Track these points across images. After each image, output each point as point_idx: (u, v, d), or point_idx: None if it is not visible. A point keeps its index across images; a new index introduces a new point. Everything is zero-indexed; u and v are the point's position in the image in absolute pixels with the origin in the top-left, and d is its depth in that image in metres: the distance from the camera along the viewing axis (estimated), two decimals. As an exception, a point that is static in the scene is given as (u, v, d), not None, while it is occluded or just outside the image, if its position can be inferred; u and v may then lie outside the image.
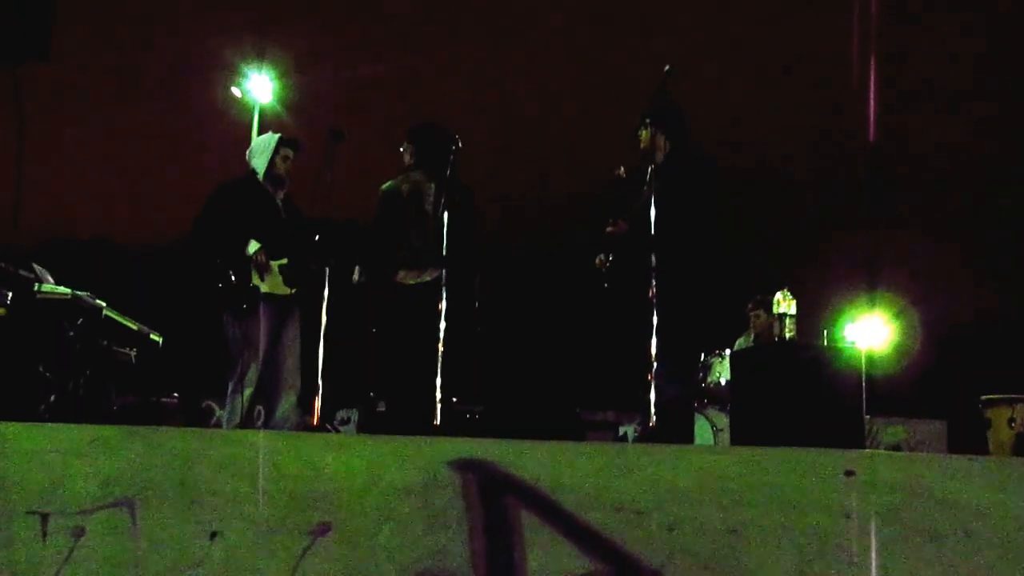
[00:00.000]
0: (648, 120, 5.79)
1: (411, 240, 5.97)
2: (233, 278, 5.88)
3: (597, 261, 5.90)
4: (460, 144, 5.89)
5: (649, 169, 5.67)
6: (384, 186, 6.17)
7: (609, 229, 5.90)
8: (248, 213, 6.04)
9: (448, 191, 5.81)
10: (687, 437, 5.81)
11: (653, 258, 5.34)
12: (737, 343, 8.60)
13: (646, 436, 5.32)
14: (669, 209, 5.43)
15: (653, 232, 5.39)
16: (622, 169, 5.90)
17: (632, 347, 5.41)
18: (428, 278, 5.90)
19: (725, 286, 5.78)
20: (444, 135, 6.25)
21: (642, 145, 5.83)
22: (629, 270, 5.67)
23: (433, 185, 6.03)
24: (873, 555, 2.80)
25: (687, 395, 6.10)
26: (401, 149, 6.32)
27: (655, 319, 5.23)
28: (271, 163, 6.21)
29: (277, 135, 6.43)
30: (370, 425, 7.76)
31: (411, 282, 5.96)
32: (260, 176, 6.22)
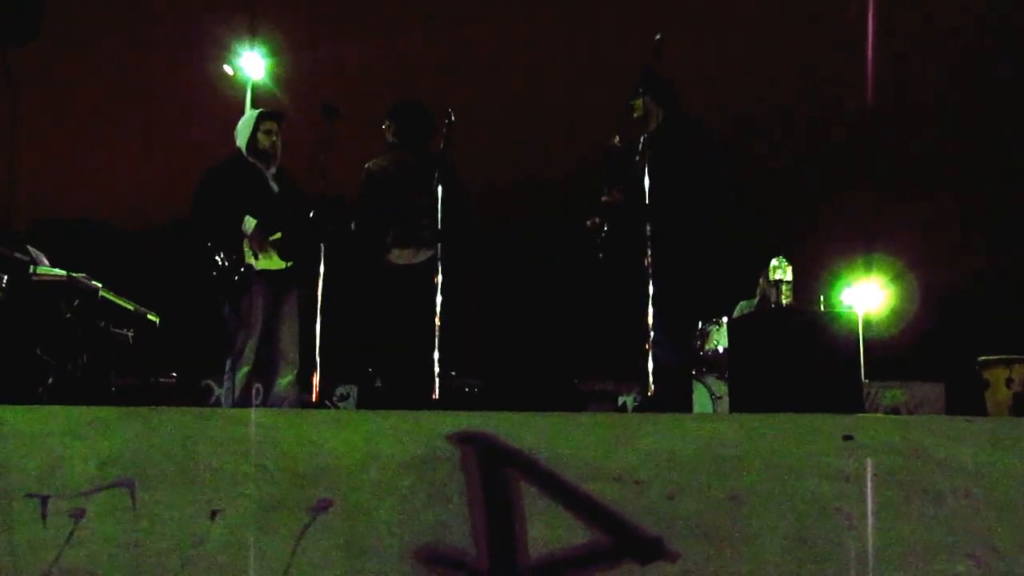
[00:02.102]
0: (641, 89, 5.77)
1: (401, 220, 5.97)
2: (225, 261, 5.87)
3: (588, 223, 5.90)
4: (454, 118, 5.86)
5: (642, 138, 5.66)
6: (368, 164, 6.14)
7: (605, 199, 5.89)
8: (237, 192, 6.02)
9: (443, 166, 5.79)
10: (686, 405, 5.83)
11: (648, 227, 5.34)
12: (739, 306, 8.61)
13: (645, 405, 5.33)
14: (664, 177, 5.43)
15: (648, 201, 5.38)
16: (617, 139, 5.89)
17: (630, 317, 5.41)
18: (423, 258, 5.90)
19: (722, 253, 5.77)
20: (425, 112, 6.25)
21: (636, 114, 5.82)
22: (626, 239, 5.67)
23: (418, 163, 6.03)
24: (872, 518, 2.81)
25: (685, 363, 6.11)
26: (383, 127, 6.29)
27: (651, 288, 5.23)
28: (253, 139, 6.18)
29: (257, 111, 6.42)
30: (369, 401, 7.79)
31: (403, 263, 5.96)
32: (245, 154, 6.19)
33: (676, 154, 5.55)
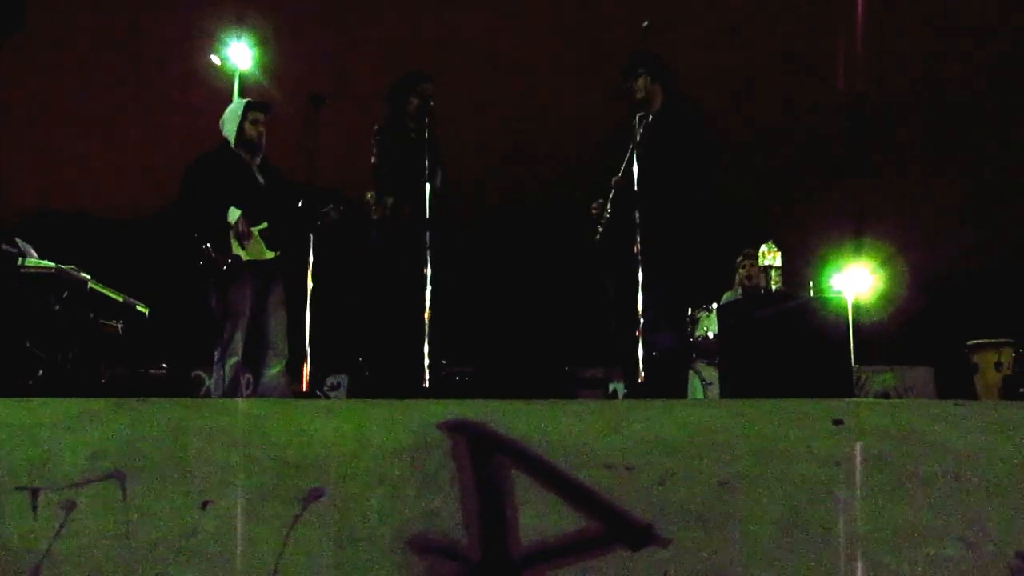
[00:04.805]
0: (641, 69, 5.71)
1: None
2: (211, 252, 5.86)
3: (593, 207, 5.87)
4: (432, 103, 5.88)
5: (638, 118, 5.63)
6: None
7: (616, 179, 5.82)
8: (223, 183, 6.02)
9: (431, 153, 5.79)
10: (680, 391, 5.83)
11: (639, 213, 5.32)
12: (724, 296, 8.60)
13: (636, 392, 5.33)
14: (665, 162, 5.41)
15: (645, 186, 5.37)
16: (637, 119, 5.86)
17: (622, 303, 5.40)
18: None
19: (713, 239, 5.76)
20: (398, 87, 6.29)
21: (639, 95, 5.75)
22: (625, 223, 5.64)
23: (397, 146, 6.16)
24: (863, 502, 2.82)
25: (679, 349, 6.10)
26: None
27: (641, 275, 5.23)
28: (241, 129, 6.18)
29: (244, 100, 6.41)
30: (360, 390, 7.78)
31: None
32: (232, 144, 6.18)
33: (678, 139, 5.53)
